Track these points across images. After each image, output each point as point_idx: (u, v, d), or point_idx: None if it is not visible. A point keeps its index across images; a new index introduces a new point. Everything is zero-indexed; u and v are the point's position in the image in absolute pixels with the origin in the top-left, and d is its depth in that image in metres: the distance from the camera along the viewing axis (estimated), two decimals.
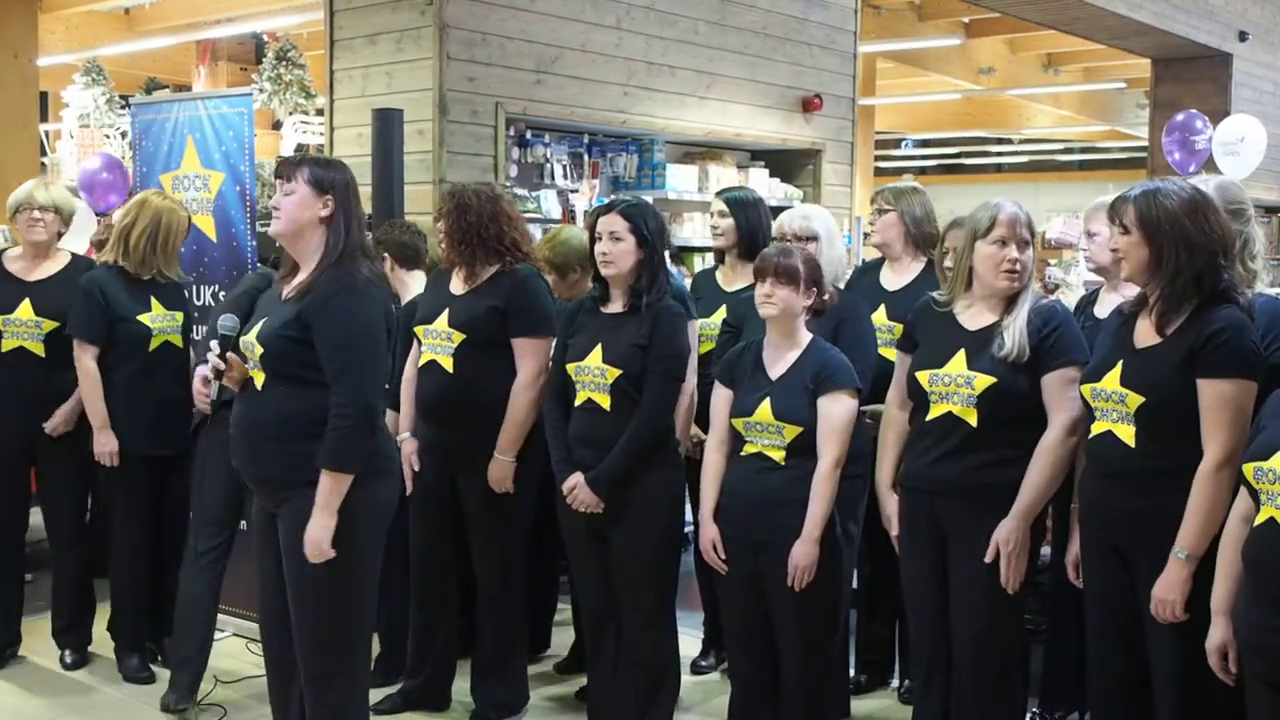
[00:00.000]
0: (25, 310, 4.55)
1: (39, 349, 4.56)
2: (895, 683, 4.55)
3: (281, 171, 3.37)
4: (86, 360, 4.45)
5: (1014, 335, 3.28)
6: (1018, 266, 3.33)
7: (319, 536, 3.23)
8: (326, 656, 3.37)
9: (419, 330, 4.11)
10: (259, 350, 3.30)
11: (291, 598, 3.37)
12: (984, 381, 3.28)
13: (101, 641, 4.80)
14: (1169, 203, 2.98)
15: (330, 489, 3.23)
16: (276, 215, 3.34)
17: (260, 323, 3.37)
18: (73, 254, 4.80)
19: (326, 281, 3.29)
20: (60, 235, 4.73)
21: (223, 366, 3.42)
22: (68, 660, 4.74)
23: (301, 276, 3.35)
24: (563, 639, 4.90)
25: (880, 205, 4.38)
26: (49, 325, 4.56)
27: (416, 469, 4.17)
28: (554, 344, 4.04)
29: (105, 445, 4.47)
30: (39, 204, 4.58)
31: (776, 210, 4.92)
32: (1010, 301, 3.35)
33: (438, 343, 4.04)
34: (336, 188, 3.34)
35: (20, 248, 4.69)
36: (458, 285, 4.09)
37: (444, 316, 4.03)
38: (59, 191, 4.75)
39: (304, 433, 3.25)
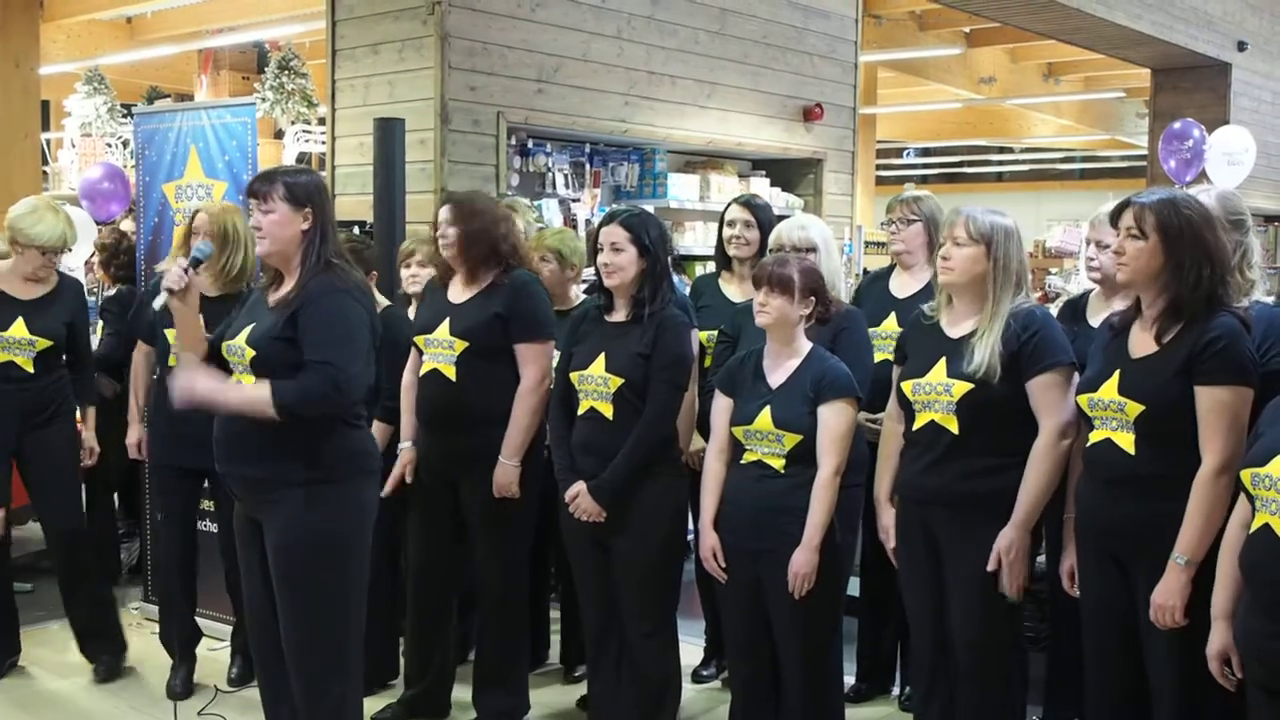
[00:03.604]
0: (19, 328, 4.56)
1: (28, 365, 4.58)
2: (896, 690, 4.55)
3: (257, 190, 3.40)
4: (138, 357, 4.74)
5: (984, 350, 3.29)
6: (942, 261, 3.40)
7: (195, 386, 3.29)
8: (319, 658, 3.39)
9: (419, 340, 4.11)
10: (249, 353, 3.34)
11: (281, 600, 3.38)
12: (962, 388, 3.30)
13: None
14: (1190, 214, 3.00)
15: (247, 400, 3.29)
16: (260, 237, 3.39)
17: (248, 327, 3.41)
18: (60, 274, 4.78)
19: (318, 285, 3.35)
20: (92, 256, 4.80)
21: (180, 286, 3.45)
22: (100, 674, 4.73)
23: (289, 284, 3.41)
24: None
25: (905, 215, 4.31)
26: (42, 344, 4.58)
27: (409, 480, 4.16)
28: (555, 349, 4.08)
29: (135, 436, 4.76)
30: (69, 248, 4.64)
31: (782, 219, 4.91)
32: (992, 307, 3.35)
33: (439, 351, 4.04)
34: (313, 198, 3.39)
35: (11, 261, 4.67)
36: (457, 293, 4.10)
37: (445, 325, 4.04)
38: (75, 225, 4.76)
39: (290, 434, 3.29)
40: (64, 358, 4.71)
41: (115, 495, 5.94)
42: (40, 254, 4.56)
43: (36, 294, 4.65)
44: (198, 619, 4.73)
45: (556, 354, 4.12)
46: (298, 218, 3.37)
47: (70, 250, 4.69)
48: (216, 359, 3.54)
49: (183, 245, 4.46)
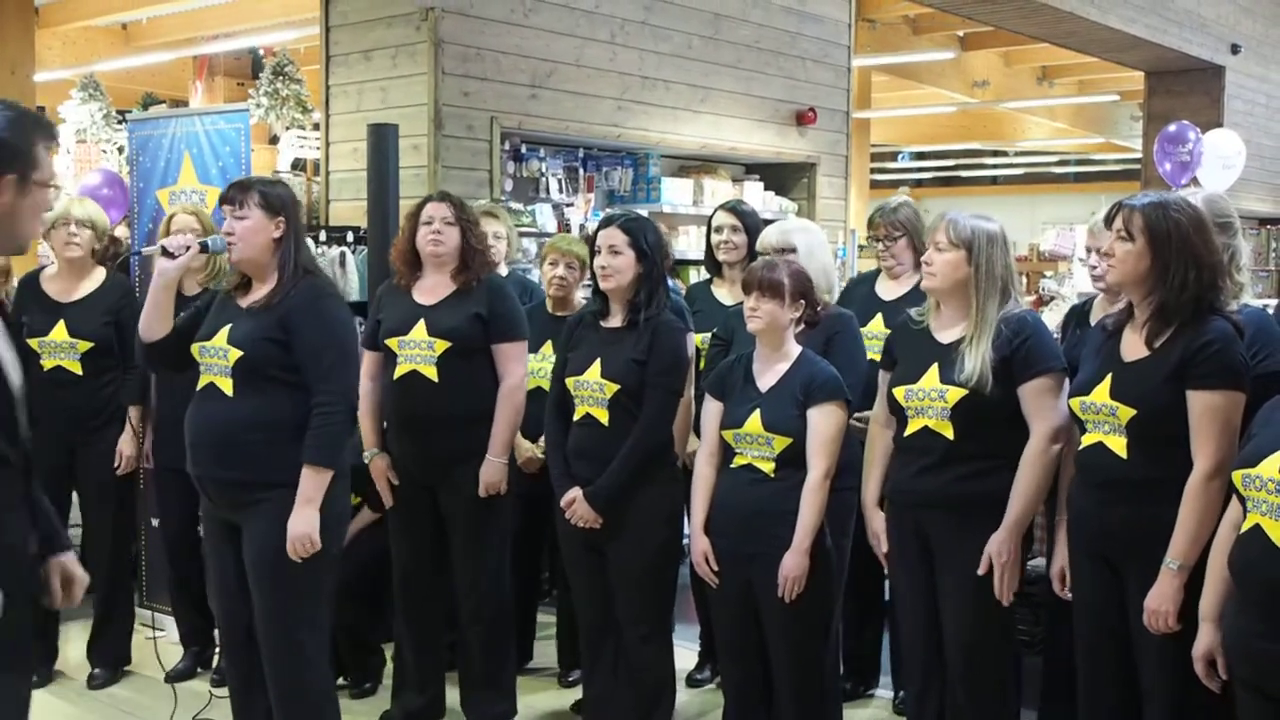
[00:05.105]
0: (59, 332, 4.58)
1: (75, 367, 4.59)
2: (890, 694, 4.56)
3: (231, 197, 3.49)
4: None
5: (975, 358, 3.30)
6: (925, 266, 3.43)
7: (307, 530, 3.34)
8: (299, 658, 3.46)
9: (392, 343, 4.07)
10: (235, 354, 3.39)
11: (263, 599, 3.43)
12: (956, 394, 3.31)
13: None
14: (1179, 217, 2.99)
15: (315, 484, 3.35)
16: (232, 242, 3.47)
17: (225, 329, 3.46)
18: (109, 271, 4.80)
19: (305, 289, 3.46)
20: (95, 251, 4.76)
21: (180, 253, 3.52)
22: (96, 681, 4.76)
23: (265, 288, 3.49)
24: (550, 650, 4.91)
25: (889, 232, 4.36)
26: (83, 346, 4.59)
27: (395, 483, 4.15)
28: (527, 349, 4.18)
29: (149, 443, 4.76)
30: (75, 219, 4.59)
31: (769, 223, 4.94)
32: (977, 313, 3.36)
33: (418, 353, 4.02)
34: (286, 207, 3.50)
35: (56, 265, 4.70)
36: (425, 296, 4.10)
37: (420, 326, 4.03)
38: (93, 207, 4.76)
39: (276, 436, 3.37)
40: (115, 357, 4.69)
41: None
42: (49, 230, 4.58)
43: (79, 295, 4.66)
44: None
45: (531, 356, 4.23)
46: (270, 225, 3.47)
47: (88, 228, 4.62)
48: (175, 348, 3.58)
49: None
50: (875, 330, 4.25)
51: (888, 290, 4.42)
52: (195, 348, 3.52)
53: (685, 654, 4.57)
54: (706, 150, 7.49)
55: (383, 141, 5.15)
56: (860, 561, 4.20)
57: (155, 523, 5.18)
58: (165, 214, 5.21)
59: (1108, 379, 3.07)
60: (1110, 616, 3.11)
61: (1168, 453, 2.96)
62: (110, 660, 4.79)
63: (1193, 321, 2.97)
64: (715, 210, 4.80)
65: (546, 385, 4.22)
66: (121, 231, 6.44)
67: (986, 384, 3.27)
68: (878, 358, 3.99)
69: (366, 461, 4.17)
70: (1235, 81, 12.16)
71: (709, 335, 4.43)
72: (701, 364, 4.42)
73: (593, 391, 3.79)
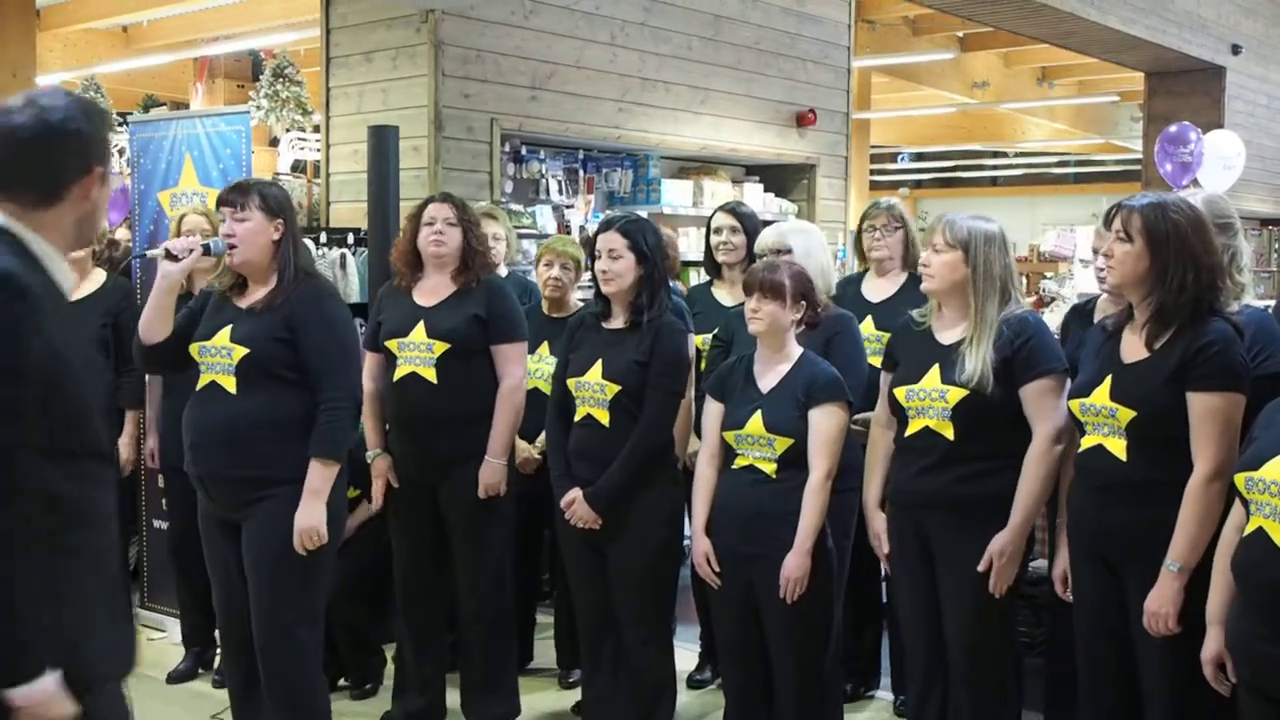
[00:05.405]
0: None
1: None
2: (890, 695, 4.56)
3: (231, 199, 3.51)
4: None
5: (975, 359, 3.31)
6: (923, 268, 3.45)
7: (315, 523, 3.40)
8: (301, 652, 3.50)
9: (392, 344, 4.07)
10: (240, 351, 3.42)
11: (263, 595, 3.46)
12: (957, 394, 3.31)
13: None
14: (1177, 218, 2.98)
15: (323, 477, 3.41)
16: (233, 245, 3.49)
17: (226, 328, 3.49)
18: (108, 274, 4.79)
19: (307, 290, 3.51)
20: (95, 253, 4.75)
21: (182, 255, 3.51)
22: None
23: (265, 289, 3.52)
24: (550, 650, 4.92)
25: (889, 223, 4.42)
26: None
27: (395, 485, 4.15)
28: (527, 350, 4.19)
29: (152, 444, 4.82)
30: None
31: (768, 224, 4.95)
32: (976, 314, 3.36)
33: (417, 354, 4.03)
34: (285, 208, 3.55)
35: None
36: (425, 297, 4.11)
37: (420, 328, 4.03)
38: None
39: (280, 433, 3.41)
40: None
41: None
42: None
43: (78, 296, 4.62)
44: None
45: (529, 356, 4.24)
46: (270, 227, 3.51)
47: None
48: (174, 349, 3.60)
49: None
50: (866, 332, 4.25)
51: (875, 291, 4.45)
52: (194, 348, 3.55)
53: (686, 654, 4.57)
54: (706, 152, 7.50)
55: (383, 143, 5.16)
56: (861, 563, 4.21)
57: (157, 524, 5.20)
58: (167, 215, 5.23)
59: (1107, 381, 3.06)
60: (1110, 618, 3.11)
61: (1168, 455, 2.96)
62: None
63: (1192, 323, 2.97)
64: (714, 212, 4.82)
65: (542, 386, 4.23)
66: (122, 234, 6.45)
67: (987, 384, 3.28)
68: (874, 360, 4.00)
69: (369, 461, 4.18)
70: (1236, 82, 12.15)
71: (709, 336, 4.43)
72: (702, 365, 4.43)
73: (594, 392, 3.80)
